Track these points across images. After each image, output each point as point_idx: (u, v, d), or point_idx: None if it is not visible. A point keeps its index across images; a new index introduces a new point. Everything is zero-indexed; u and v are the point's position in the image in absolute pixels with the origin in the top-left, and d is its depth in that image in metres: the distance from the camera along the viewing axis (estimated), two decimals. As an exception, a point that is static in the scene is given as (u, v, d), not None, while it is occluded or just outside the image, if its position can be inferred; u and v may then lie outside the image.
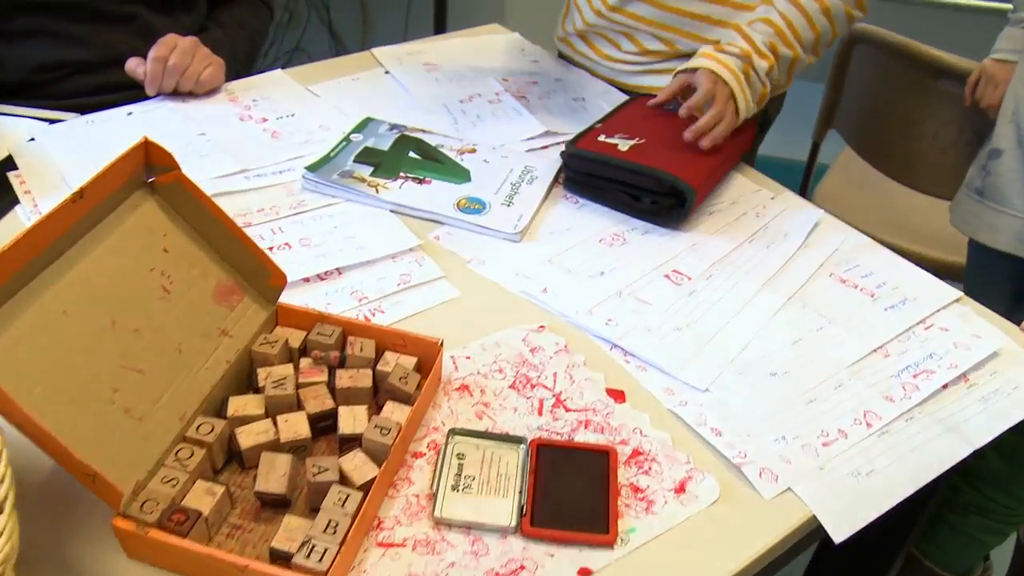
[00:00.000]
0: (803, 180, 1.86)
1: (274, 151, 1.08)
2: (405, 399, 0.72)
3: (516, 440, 0.71)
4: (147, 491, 0.62)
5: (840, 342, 0.85)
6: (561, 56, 1.39)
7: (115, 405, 0.63)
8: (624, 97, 1.26)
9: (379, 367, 0.74)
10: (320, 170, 1.02)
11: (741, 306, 0.89)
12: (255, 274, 0.76)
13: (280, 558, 0.60)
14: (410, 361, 0.75)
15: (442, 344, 0.75)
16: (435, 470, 0.69)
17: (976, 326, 0.90)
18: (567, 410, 0.76)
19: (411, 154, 1.07)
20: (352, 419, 0.70)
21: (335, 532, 0.60)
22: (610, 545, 0.65)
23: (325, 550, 0.59)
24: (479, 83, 1.28)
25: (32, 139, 1.07)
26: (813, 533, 0.71)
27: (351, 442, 0.69)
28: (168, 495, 0.62)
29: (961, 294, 0.94)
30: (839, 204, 1.81)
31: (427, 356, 0.75)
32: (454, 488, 0.67)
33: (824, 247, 0.99)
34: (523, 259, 0.93)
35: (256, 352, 0.74)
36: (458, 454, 0.70)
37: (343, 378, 0.73)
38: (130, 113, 1.14)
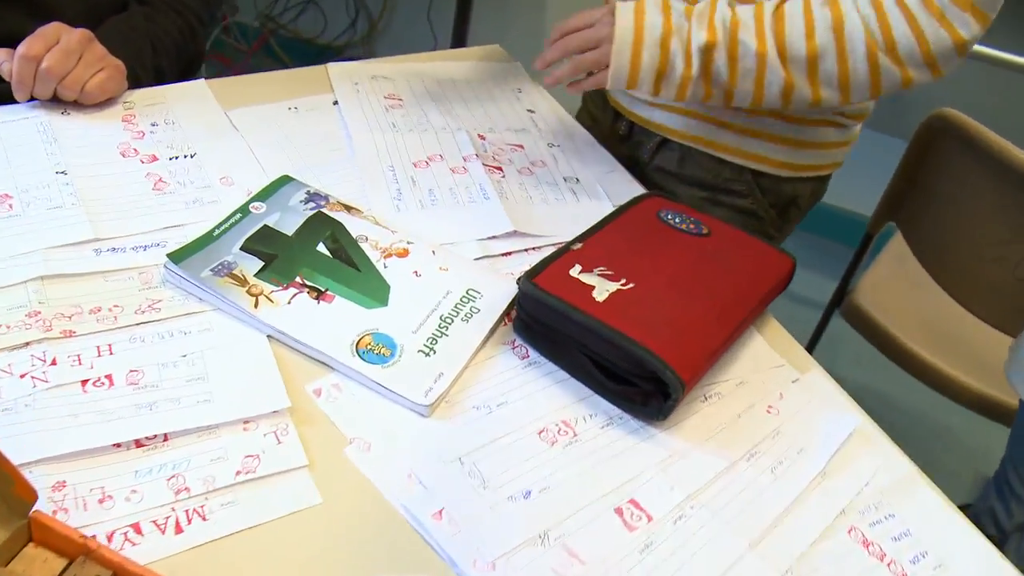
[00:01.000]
0: (847, 270, 1.56)
1: (148, 212, 0.81)
2: None
3: None
4: None
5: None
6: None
7: None
8: (630, 189, 0.98)
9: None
10: (190, 259, 0.76)
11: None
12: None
13: None
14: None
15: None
16: None
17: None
18: None
19: (320, 247, 0.81)
20: None
21: None
22: None
23: None
24: (445, 139, 0.99)
25: None
26: None
27: None
28: None
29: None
30: (880, 303, 1.52)
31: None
32: None
33: (850, 477, 0.72)
34: (425, 451, 0.67)
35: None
36: None
37: None
38: (-20, 123, 0.88)
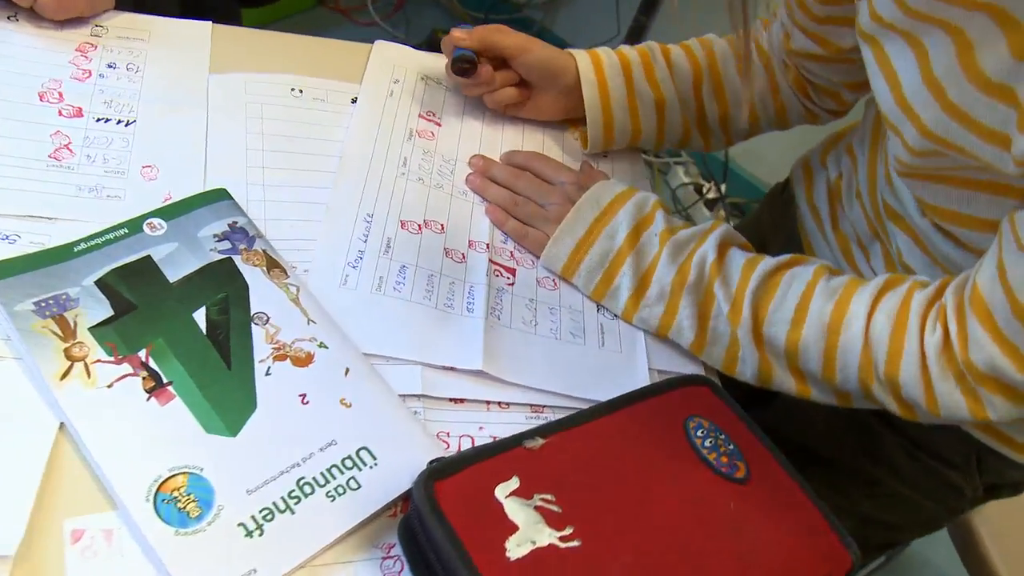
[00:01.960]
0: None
1: (22, 186, 0.61)
2: None
3: None
4: None
5: None
6: None
7: None
8: (683, 360, 0.70)
9: None
10: (16, 278, 0.55)
11: None
12: None
13: None
14: None
15: None
16: None
17: None
18: None
19: (199, 315, 0.58)
20: None
21: None
22: None
23: None
24: (460, 207, 0.73)
25: None
26: None
27: None
28: None
29: None
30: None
31: None
32: None
33: None
34: None
35: None
36: None
37: None
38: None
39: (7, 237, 0.58)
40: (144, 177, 0.65)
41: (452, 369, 0.61)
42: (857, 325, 0.62)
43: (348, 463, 0.54)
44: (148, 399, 0.53)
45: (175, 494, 0.50)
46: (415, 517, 0.51)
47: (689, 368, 0.68)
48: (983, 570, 1.14)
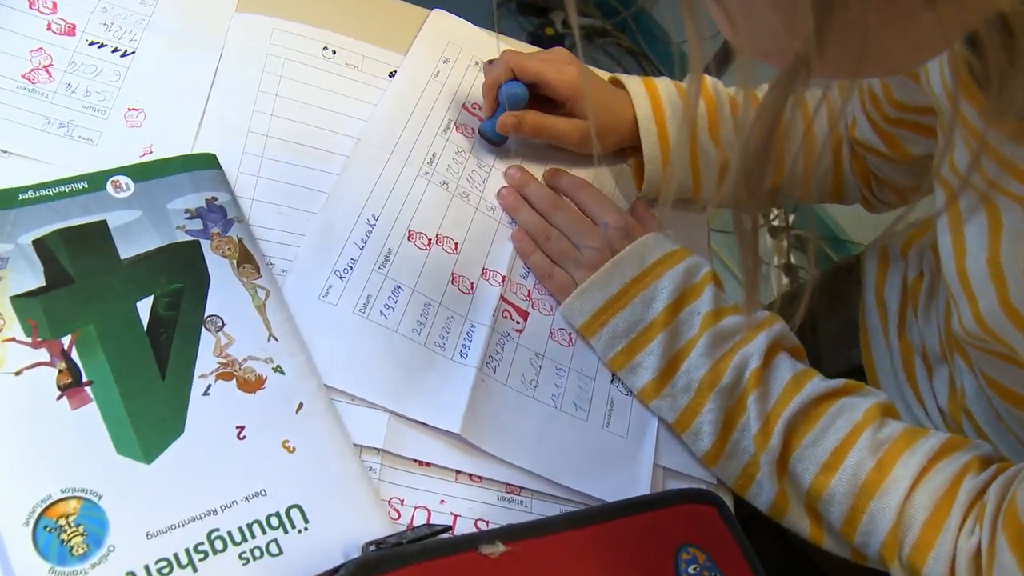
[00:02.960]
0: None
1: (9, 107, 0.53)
2: None
3: None
4: None
5: None
6: None
7: None
8: (687, 472, 0.60)
9: None
10: (-58, 221, 0.47)
11: None
12: None
13: None
14: None
15: None
16: None
17: None
18: None
19: (143, 305, 0.49)
20: None
21: None
22: None
23: None
24: (482, 226, 0.63)
25: None
26: None
27: None
28: None
29: None
30: None
31: None
32: None
33: None
34: None
35: None
36: None
37: None
38: None
39: (-44, 168, 0.50)
40: (127, 122, 0.56)
41: (424, 424, 0.52)
42: (894, 497, 0.52)
43: (274, 521, 0.46)
44: (59, 398, 0.45)
45: (61, 522, 0.42)
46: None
47: (701, 472, 0.58)
48: None
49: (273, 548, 0.45)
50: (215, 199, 0.54)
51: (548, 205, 0.64)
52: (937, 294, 0.68)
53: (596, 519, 0.50)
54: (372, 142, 0.62)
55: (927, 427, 0.68)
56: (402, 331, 0.55)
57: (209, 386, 0.48)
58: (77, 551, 0.42)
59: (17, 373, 0.45)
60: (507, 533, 0.46)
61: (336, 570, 0.43)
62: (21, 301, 0.46)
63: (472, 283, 0.59)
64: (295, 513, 0.46)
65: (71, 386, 0.45)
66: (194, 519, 0.44)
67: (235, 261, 0.52)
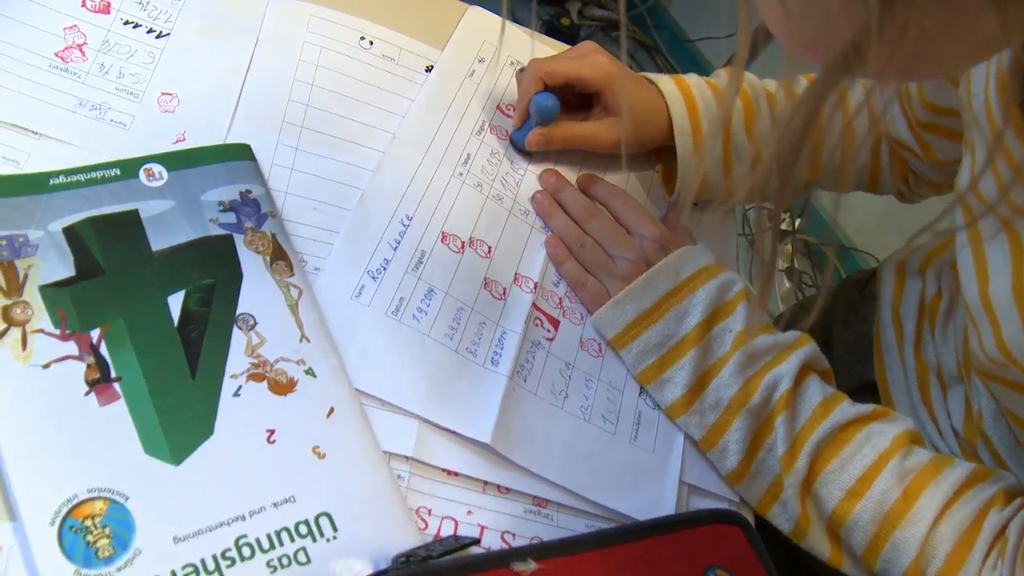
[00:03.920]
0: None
1: (11, 88, 0.51)
2: None
3: None
4: None
5: None
6: None
7: None
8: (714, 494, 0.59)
9: None
10: (3, 198, 0.46)
11: None
12: None
13: None
14: None
15: None
16: None
17: None
18: None
19: (174, 300, 0.48)
20: None
21: None
22: None
23: None
24: (516, 230, 0.62)
25: None
26: None
27: None
28: None
29: None
30: None
31: None
32: None
33: None
34: None
35: None
36: None
37: None
38: None
39: (-23, 145, 0.48)
40: (160, 107, 0.54)
41: (453, 432, 0.51)
42: (919, 527, 0.51)
43: (302, 529, 0.45)
44: (87, 393, 0.44)
45: (88, 523, 0.41)
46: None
47: (725, 489, 0.58)
48: None
49: (301, 557, 0.44)
50: (249, 192, 0.52)
51: (583, 212, 0.63)
52: (955, 315, 0.67)
53: (626, 538, 0.49)
54: (407, 140, 0.60)
55: (940, 446, 0.68)
56: (434, 336, 0.54)
57: (240, 387, 0.47)
58: (103, 553, 0.41)
59: (45, 366, 0.43)
60: (538, 550, 0.46)
61: (365, 582, 0.43)
62: (51, 291, 0.45)
63: (504, 289, 0.58)
64: (324, 521, 0.45)
65: (99, 382, 0.44)
66: (222, 524, 0.43)
67: (268, 257, 0.51)
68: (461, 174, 0.61)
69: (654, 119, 0.66)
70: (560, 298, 0.61)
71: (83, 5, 0.55)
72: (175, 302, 0.47)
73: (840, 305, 0.84)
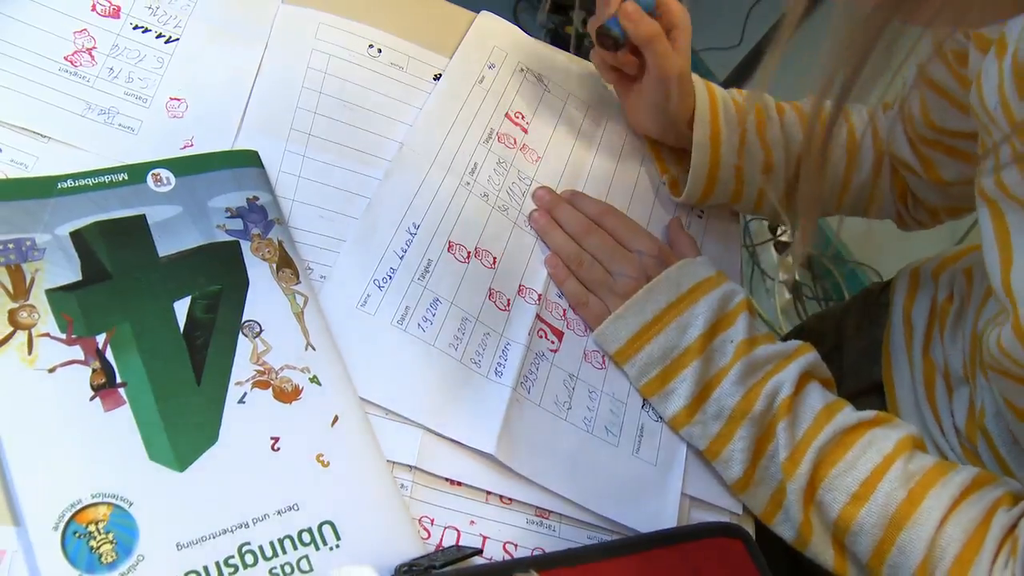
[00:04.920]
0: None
1: (25, 91, 0.50)
2: None
3: None
4: None
5: None
6: None
7: None
8: (716, 499, 0.59)
9: None
10: (11, 202, 0.46)
11: None
12: None
13: None
14: None
15: None
16: None
17: None
18: None
19: (180, 305, 0.48)
20: None
21: None
22: None
23: None
24: (520, 242, 0.62)
25: None
26: None
27: None
28: None
29: None
30: None
31: None
32: None
33: None
34: None
35: None
36: None
37: None
38: None
39: (-9, 146, 0.48)
40: (168, 112, 0.54)
41: (457, 442, 0.51)
42: (925, 529, 0.51)
43: (306, 537, 0.45)
44: (92, 398, 0.44)
45: (91, 528, 0.41)
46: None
47: (726, 501, 0.58)
48: None
49: (304, 565, 0.44)
50: (256, 198, 0.52)
51: (580, 229, 0.63)
52: (966, 317, 0.68)
53: (628, 550, 0.49)
54: (415, 148, 0.60)
55: (941, 443, 0.68)
56: (439, 346, 0.54)
57: (245, 394, 0.47)
58: (106, 559, 0.41)
59: (51, 370, 0.43)
60: (540, 562, 0.46)
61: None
62: (57, 295, 0.45)
63: (509, 300, 0.58)
64: (327, 530, 0.45)
65: (104, 387, 0.44)
66: (225, 531, 0.43)
67: (275, 265, 0.51)
68: (468, 183, 0.61)
69: (685, 101, 0.67)
70: (564, 310, 0.61)
71: (93, 9, 0.55)
72: (181, 308, 0.47)
73: (854, 314, 0.85)
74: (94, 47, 0.54)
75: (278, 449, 0.46)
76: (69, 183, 0.48)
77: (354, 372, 0.50)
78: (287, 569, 0.44)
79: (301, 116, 0.58)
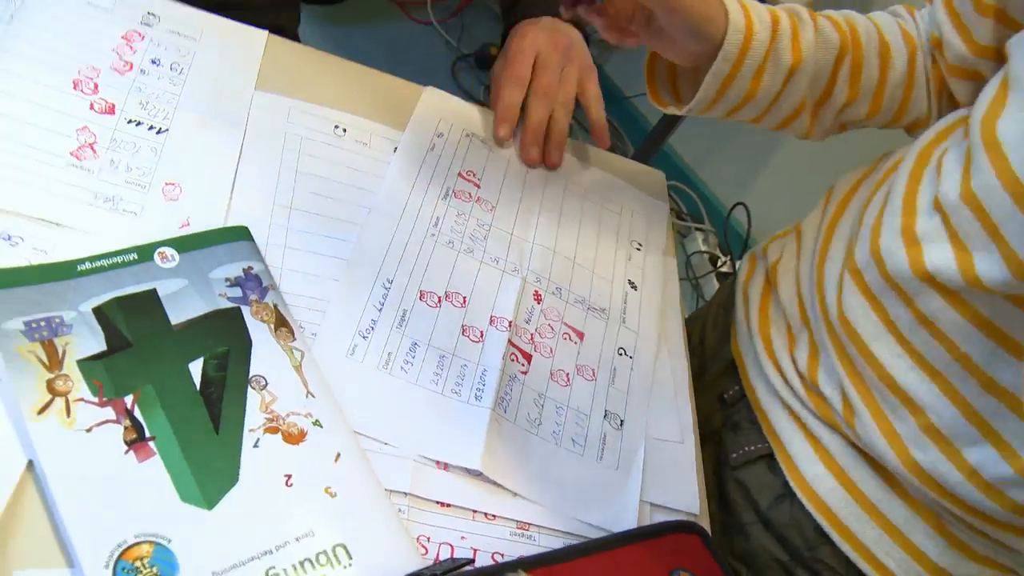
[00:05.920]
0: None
1: (35, 184, 0.56)
2: None
3: None
4: None
5: None
6: None
7: None
8: (680, 490, 0.67)
9: None
10: (8, 291, 0.52)
11: None
12: None
13: None
14: None
15: None
16: None
17: None
18: None
19: (194, 367, 0.54)
20: None
21: None
22: None
23: None
24: (487, 278, 0.70)
25: None
26: None
27: None
28: None
29: None
30: None
31: None
32: None
33: None
34: None
35: None
36: None
37: None
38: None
39: (10, 238, 0.54)
40: (165, 196, 0.61)
41: (444, 468, 0.58)
42: None
43: (322, 559, 0.51)
44: (126, 452, 0.50)
45: (137, 564, 0.47)
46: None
47: (682, 505, 0.66)
48: None
49: (322, 583, 0.50)
50: (251, 268, 0.59)
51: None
52: (805, 265, 0.73)
53: (600, 548, 0.57)
54: (382, 212, 0.68)
55: (784, 395, 0.72)
56: (421, 383, 0.61)
57: (258, 439, 0.53)
58: (148, 592, 0.47)
59: (88, 430, 0.49)
60: (527, 563, 0.53)
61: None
62: (87, 364, 0.51)
63: (482, 332, 0.66)
64: (340, 551, 0.52)
65: (136, 441, 0.50)
66: (253, 558, 0.49)
67: (272, 325, 0.58)
68: (433, 235, 0.69)
69: (713, 29, 0.65)
70: (532, 334, 0.69)
71: (91, 108, 0.62)
72: (195, 368, 0.54)
73: (715, 306, 0.91)
74: (95, 142, 0.61)
75: (291, 484, 0.53)
76: (87, 265, 0.55)
77: (349, 412, 0.57)
78: (307, 589, 0.50)
79: (282, 191, 0.65)
